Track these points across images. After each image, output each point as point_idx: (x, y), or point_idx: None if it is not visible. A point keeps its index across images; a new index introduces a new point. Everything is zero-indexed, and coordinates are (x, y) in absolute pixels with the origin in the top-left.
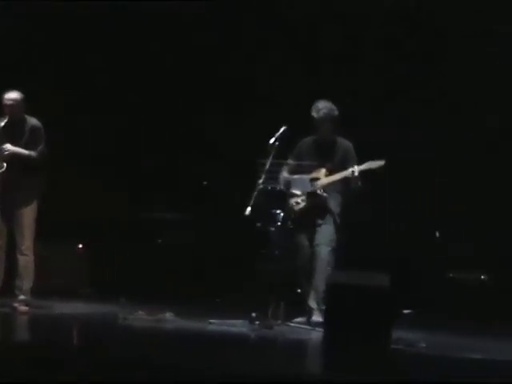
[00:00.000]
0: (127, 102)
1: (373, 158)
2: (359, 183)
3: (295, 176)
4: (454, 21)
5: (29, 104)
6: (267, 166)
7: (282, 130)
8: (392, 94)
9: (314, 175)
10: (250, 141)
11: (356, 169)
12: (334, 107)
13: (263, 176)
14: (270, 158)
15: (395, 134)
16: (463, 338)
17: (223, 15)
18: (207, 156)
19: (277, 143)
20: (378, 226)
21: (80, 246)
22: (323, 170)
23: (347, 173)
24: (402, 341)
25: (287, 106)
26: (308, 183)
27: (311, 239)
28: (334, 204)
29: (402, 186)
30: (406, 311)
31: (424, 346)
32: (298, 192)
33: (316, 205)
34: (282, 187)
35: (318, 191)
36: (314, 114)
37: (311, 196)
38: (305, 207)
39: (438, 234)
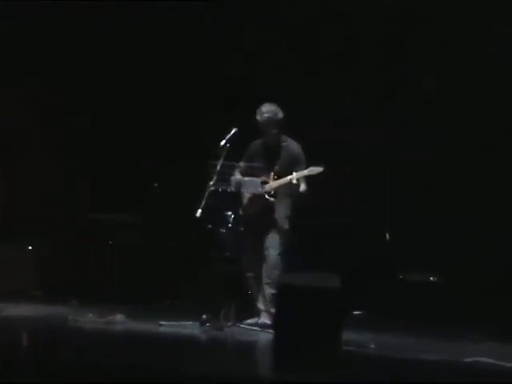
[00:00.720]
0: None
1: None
2: (301, 188)
3: (246, 178)
4: (452, 18)
5: None
6: (218, 168)
7: (232, 132)
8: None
9: (263, 178)
10: (201, 142)
11: (294, 176)
12: (278, 110)
13: (214, 178)
14: (221, 159)
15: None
16: (413, 339)
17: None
18: (158, 157)
19: (227, 145)
20: (327, 227)
21: (29, 247)
22: (272, 174)
23: (288, 179)
24: (352, 342)
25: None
26: (258, 185)
27: (260, 242)
28: (284, 207)
29: (352, 186)
30: (356, 312)
31: (374, 347)
32: (246, 194)
33: (264, 208)
34: (233, 189)
35: (266, 195)
36: (258, 117)
37: (259, 199)
38: (254, 209)
39: (388, 236)
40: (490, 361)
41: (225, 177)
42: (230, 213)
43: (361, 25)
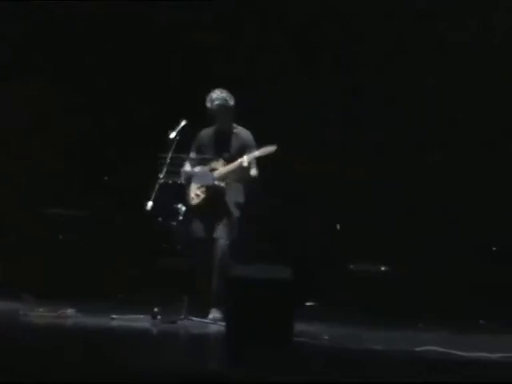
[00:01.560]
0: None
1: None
2: (252, 172)
3: (196, 169)
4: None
5: None
6: (168, 160)
7: (182, 124)
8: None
9: (212, 166)
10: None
11: (245, 159)
12: (229, 97)
13: (164, 170)
14: (171, 152)
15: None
16: (364, 329)
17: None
18: (108, 151)
19: (177, 137)
20: (278, 218)
21: None
22: (221, 161)
23: (238, 163)
24: (305, 333)
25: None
26: (209, 176)
27: (210, 233)
28: (235, 195)
29: (303, 175)
30: (308, 303)
31: (327, 337)
32: (198, 185)
33: (214, 197)
34: (183, 181)
35: (215, 182)
36: (208, 104)
37: (209, 188)
38: (203, 200)
39: (338, 227)
40: (441, 349)
41: (175, 169)
42: (180, 205)
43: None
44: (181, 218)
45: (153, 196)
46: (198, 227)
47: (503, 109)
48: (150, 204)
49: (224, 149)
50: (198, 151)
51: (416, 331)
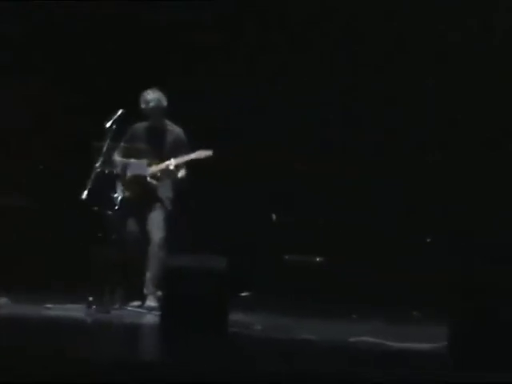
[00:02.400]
0: None
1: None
2: (180, 174)
3: (132, 160)
4: None
5: None
6: (104, 149)
7: (119, 113)
8: None
9: (149, 161)
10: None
11: (172, 162)
12: (162, 97)
13: (100, 159)
14: (107, 141)
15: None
16: (299, 319)
17: None
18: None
19: (114, 126)
20: (214, 210)
21: None
22: (155, 158)
23: (165, 165)
24: (239, 323)
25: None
26: (144, 168)
27: (143, 224)
28: (166, 190)
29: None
30: (242, 294)
31: (260, 328)
32: (131, 176)
33: (146, 191)
34: (119, 170)
35: (148, 178)
36: (143, 105)
37: (141, 182)
38: (135, 193)
39: (274, 217)
40: (373, 340)
41: (111, 158)
42: (116, 195)
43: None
44: (117, 207)
45: (89, 185)
46: (131, 219)
47: (503, 109)
48: (85, 193)
49: (157, 146)
50: (130, 144)
51: (350, 322)
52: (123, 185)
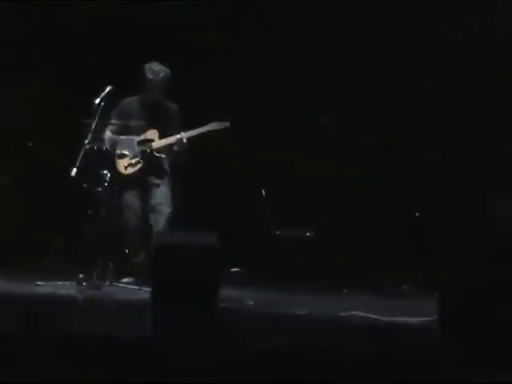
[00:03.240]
0: None
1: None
2: (186, 147)
3: (122, 136)
4: None
5: None
6: (93, 127)
7: (107, 90)
8: None
9: (147, 137)
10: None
11: (184, 135)
12: (168, 69)
13: (89, 136)
14: (96, 118)
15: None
16: (292, 295)
17: None
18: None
19: (102, 103)
20: (207, 187)
21: None
22: (156, 132)
23: (178, 138)
24: (230, 299)
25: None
26: (134, 144)
27: (145, 200)
28: (168, 165)
29: (231, 145)
30: (234, 269)
31: (252, 303)
32: (127, 152)
33: (152, 166)
34: (109, 147)
35: (155, 153)
36: (150, 75)
37: (147, 157)
38: (140, 168)
39: (264, 193)
40: (364, 314)
41: (100, 135)
42: (106, 171)
43: None
44: (106, 184)
45: (78, 162)
46: (131, 195)
47: (503, 109)
48: (74, 170)
49: (158, 120)
50: (120, 119)
51: (340, 296)
52: (119, 163)
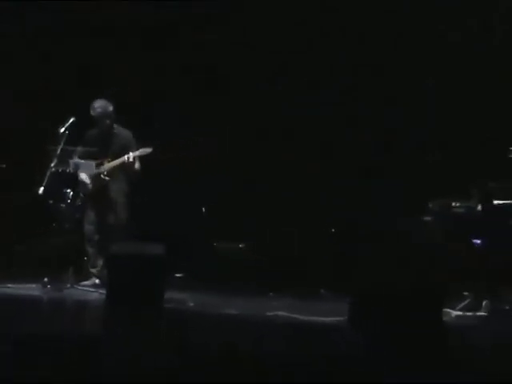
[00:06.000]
0: None
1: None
2: (136, 166)
3: (82, 160)
4: None
5: None
6: (58, 152)
7: (70, 121)
8: None
9: (100, 161)
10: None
11: (130, 155)
12: (108, 104)
13: (55, 160)
14: (61, 144)
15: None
16: (225, 297)
17: None
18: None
19: (66, 132)
20: (156, 204)
21: None
22: (107, 158)
23: (123, 159)
24: (174, 300)
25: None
26: (93, 167)
27: (101, 214)
28: (120, 184)
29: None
30: (177, 275)
31: (192, 304)
32: (85, 174)
33: (100, 186)
34: (72, 170)
35: (102, 175)
36: (92, 112)
37: (96, 178)
38: (93, 187)
39: (204, 210)
40: (287, 314)
41: (64, 159)
42: (68, 190)
43: None
44: (69, 200)
45: (45, 182)
46: (91, 211)
47: (503, 108)
48: (41, 189)
49: (107, 147)
50: (85, 147)
51: (267, 298)
52: (82, 184)
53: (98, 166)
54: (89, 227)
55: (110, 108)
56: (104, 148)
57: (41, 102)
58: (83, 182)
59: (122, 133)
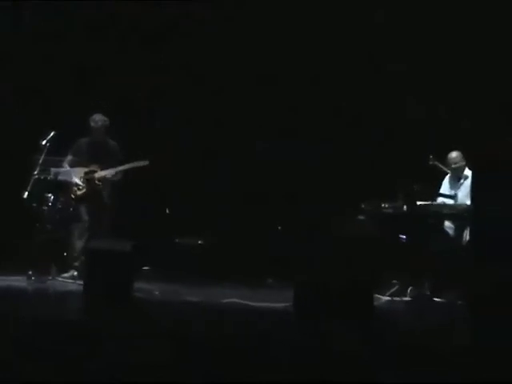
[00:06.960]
0: None
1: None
2: (117, 177)
3: (63, 169)
4: None
5: None
6: (41, 161)
7: (51, 134)
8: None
9: (91, 168)
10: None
11: (120, 168)
12: (106, 118)
13: (37, 168)
14: (43, 154)
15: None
16: (187, 287)
17: None
18: None
19: (48, 144)
20: (130, 205)
21: None
22: (96, 165)
23: (114, 170)
24: (142, 290)
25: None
26: (71, 175)
27: (91, 214)
28: (107, 191)
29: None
30: (145, 268)
31: (158, 293)
32: (77, 180)
33: (93, 190)
34: (53, 177)
35: (96, 181)
36: (93, 124)
37: (89, 183)
38: (86, 191)
39: (168, 210)
40: (240, 301)
41: (46, 168)
42: (50, 195)
43: None
44: (50, 204)
45: (28, 188)
46: (81, 211)
47: (503, 108)
48: (26, 194)
49: (100, 156)
50: (75, 155)
51: (223, 287)
52: (71, 188)
53: (92, 172)
54: (81, 225)
55: (108, 122)
56: (95, 157)
57: (28, 112)
58: (77, 184)
59: (111, 143)
